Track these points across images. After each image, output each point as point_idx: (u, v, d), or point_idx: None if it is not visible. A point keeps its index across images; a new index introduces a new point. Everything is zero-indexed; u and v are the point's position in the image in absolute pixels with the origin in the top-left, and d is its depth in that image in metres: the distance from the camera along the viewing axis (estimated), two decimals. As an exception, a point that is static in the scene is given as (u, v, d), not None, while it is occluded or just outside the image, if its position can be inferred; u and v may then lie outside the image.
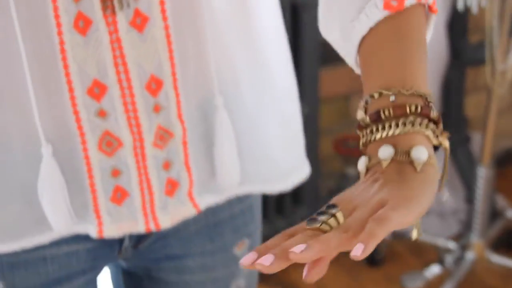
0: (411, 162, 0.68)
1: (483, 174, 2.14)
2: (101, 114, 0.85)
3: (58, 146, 0.85)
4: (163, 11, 0.84)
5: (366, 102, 0.73)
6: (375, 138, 0.70)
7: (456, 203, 2.44)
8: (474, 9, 1.88)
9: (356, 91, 2.36)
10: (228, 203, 1.00)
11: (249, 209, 1.03)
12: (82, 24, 0.81)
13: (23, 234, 0.88)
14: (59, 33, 0.81)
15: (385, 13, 0.75)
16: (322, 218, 0.64)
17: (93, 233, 0.90)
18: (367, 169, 0.70)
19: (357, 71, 0.81)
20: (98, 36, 0.82)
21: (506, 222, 2.35)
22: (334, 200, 0.66)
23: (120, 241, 0.96)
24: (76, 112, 0.84)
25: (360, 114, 0.73)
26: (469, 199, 2.37)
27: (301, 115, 1.04)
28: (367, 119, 0.71)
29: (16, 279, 0.91)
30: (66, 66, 0.82)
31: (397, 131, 0.69)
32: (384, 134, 0.70)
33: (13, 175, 0.86)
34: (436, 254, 2.30)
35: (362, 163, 0.71)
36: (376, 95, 0.72)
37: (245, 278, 1.07)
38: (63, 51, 0.82)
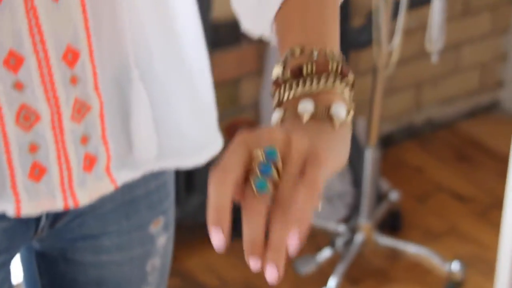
0: (330, 119, 0.68)
1: (370, 155, 2.18)
2: (18, 86, 0.82)
3: None
4: None
5: (286, 58, 0.72)
6: (294, 94, 0.70)
7: (343, 187, 2.49)
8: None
9: (245, 75, 2.38)
10: (143, 180, 0.99)
11: (163, 185, 1.03)
12: None
13: None
14: None
15: None
16: (269, 176, 0.63)
17: (11, 211, 0.87)
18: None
19: (271, 37, 0.81)
20: (13, 5, 0.79)
21: (390, 204, 2.42)
22: (267, 141, 0.64)
23: (37, 220, 0.93)
24: None
25: (277, 70, 0.72)
26: (356, 182, 2.41)
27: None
28: (288, 74, 0.71)
29: None
30: None
31: (319, 88, 0.69)
32: (305, 90, 0.70)
33: None
34: (327, 238, 2.34)
35: (276, 116, 0.70)
36: (297, 51, 0.72)
37: (160, 257, 1.06)
38: None
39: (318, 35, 0.74)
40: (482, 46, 2.84)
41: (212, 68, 2.34)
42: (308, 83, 0.69)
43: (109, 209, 0.98)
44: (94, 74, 0.86)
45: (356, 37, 2.33)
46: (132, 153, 0.93)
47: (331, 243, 2.28)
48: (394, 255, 2.32)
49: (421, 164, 2.73)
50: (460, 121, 2.91)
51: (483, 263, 2.31)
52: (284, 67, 0.72)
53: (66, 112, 0.85)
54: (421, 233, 2.43)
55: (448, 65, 2.80)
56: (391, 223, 2.44)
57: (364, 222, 2.25)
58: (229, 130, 2.29)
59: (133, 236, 1.01)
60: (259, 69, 2.38)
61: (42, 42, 0.81)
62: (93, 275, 1.01)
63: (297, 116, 0.68)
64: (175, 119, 0.96)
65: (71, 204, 0.89)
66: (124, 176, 0.94)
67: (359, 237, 2.25)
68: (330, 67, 0.70)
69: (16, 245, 0.95)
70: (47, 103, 0.84)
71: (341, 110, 0.68)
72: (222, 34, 2.26)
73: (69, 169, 0.88)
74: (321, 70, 0.70)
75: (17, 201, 0.87)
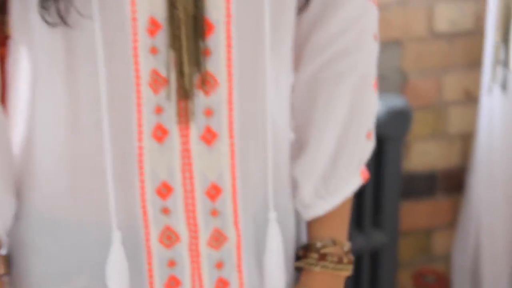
0: None
1: None
2: (165, 211, 0.97)
3: (126, 234, 0.97)
4: (231, 130, 0.97)
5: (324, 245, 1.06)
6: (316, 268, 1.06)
7: None
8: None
9: (438, 226, 2.43)
10: None
11: None
12: (160, 133, 0.95)
13: None
14: (139, 140, 0.95)
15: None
16: None
17: None
18: None
19: (306, 215, 1.08)
20: (172, 145, 0.96)
21: None
22: None
23: None
24: (144, 207, 0.97)
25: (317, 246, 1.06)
26: None
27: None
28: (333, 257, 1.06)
29: None
30: (141, 168, 0.96)
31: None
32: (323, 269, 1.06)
33: (85, 253, 0.98)
34: None
35: None
36: (331, 243, 1.07)
37: None
38: (140, 155, 0.95)
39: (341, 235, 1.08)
40: None
41: (404, 216, 2.43)
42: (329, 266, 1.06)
43: None
44: (235, 211, 0.99)
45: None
46: (263, 285, 1.04)
47: None
48: None
49: None
50: None
51: None
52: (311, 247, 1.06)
53: (204, 238, 0.99)
54: None
55: None
56: None
57: None
58: (416, 278, 2.35)
59: None
60: (453, 222, 2.43)
61: (191, 178, 0.97)
62: None
63: None
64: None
65: None
66: None
67: None
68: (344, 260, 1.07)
69: None
70: (187, 228, 0.98)
71: None
72: (416, 184, 2.35)
73: (201, 286, 1.00)
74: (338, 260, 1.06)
75: None
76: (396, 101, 2.10)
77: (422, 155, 2.33)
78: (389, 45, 2.21)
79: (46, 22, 0.91)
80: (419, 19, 2.23)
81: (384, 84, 2.21)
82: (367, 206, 2.13)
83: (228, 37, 0.95)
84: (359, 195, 2.11)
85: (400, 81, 2.25)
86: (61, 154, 0.97)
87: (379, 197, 2.13)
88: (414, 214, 2.37)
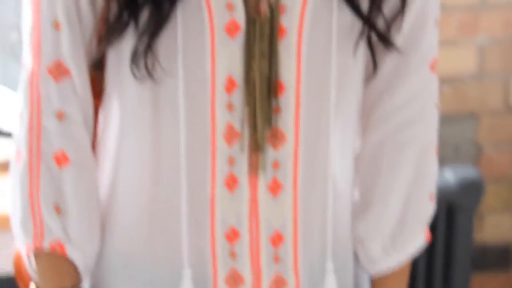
0: None
1: None
2: (232, 255, 1.05)
3: (195, 273, 1.05)
4: (295, 182, 1.05)
5: None
6: None
7: None
8: None
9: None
10: None
11: None
12: (231, 182, 1.04)
13: None
14: (212, 187, 1.04)
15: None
16: None
17: None
18: None
19: (371, 270, 1.15)
20: (242, 194, 1.04)
21: None
22: None
23: None
24: (213, 250, 1.05)
25: None
26: None
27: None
28: None
29: None
30: (213, 213, 1.04)
31: None
32: None
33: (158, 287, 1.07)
34: None
35: None
36: None
37: None
38: (213, 201, 1.04)
39: None
40: None
41: (476, 288, 2.42)
42: None
43: None
44: (295, 258, 1.06)
45: None
46: None
47: None
48: None
49: None
50: None
51: None
52: None
53: (265, 282, 1.06)
54: None
55: None
56: None
57: None
58: None
59: None
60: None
61: (257, 225, 1.04)
62: None
63: None
64: None
65: None
66: None
67: None
68: None
69: None
70: (252, 272, 1.05)
71: None
72: (489, 257, 2.36)
73: None
74: None
75: None
76: (469, 172, 2.14)
77: (496, 227, 2.35)
78: (464, 117, 2.26)
79: (135, 76, 1.02)
80: (495, 92, 2.27)
81: (459, 155, 2.26)
82: (437, 276, 2.16)
83: (298, 97, 1.03)
84: (429, 264, 2.15)
85: (475, 153, 2.30)
86: (142, 199, 1.06)
87: (449, 267, 2.16)
88: (487, 287, 2.38)
